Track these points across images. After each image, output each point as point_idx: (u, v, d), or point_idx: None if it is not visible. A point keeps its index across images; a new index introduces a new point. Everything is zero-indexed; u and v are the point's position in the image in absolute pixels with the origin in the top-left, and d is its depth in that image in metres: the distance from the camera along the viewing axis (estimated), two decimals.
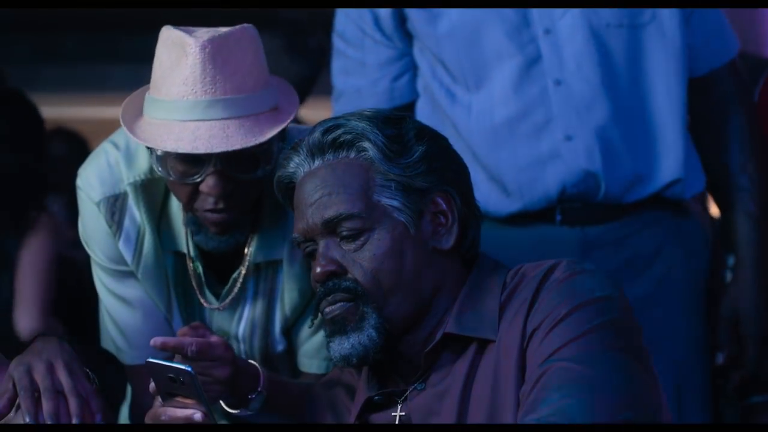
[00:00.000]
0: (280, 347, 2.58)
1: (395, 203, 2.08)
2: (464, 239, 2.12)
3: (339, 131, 2.09)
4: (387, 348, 2.08)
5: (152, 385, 2.11)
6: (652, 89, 2.73)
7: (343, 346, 2.07)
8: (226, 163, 2.31)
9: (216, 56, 2.29)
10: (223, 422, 2.41)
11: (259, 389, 2.30)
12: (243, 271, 2.49)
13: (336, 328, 2.08)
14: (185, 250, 2.50)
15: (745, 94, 2.90)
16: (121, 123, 2.36)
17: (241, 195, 2.36)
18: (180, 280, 2.55)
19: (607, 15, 2.69)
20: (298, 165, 2.14)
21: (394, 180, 2.08)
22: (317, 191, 2.09)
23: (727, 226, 2.85)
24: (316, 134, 2.11)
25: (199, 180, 2.33)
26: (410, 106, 2.83)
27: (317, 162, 2.11)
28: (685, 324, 2.79)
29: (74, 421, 2.14)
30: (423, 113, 2.79)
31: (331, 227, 2.08)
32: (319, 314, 2.13)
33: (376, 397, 2.14)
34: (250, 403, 2.31)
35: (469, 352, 2.06)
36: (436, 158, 2.11)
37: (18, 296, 3.48)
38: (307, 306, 2.53)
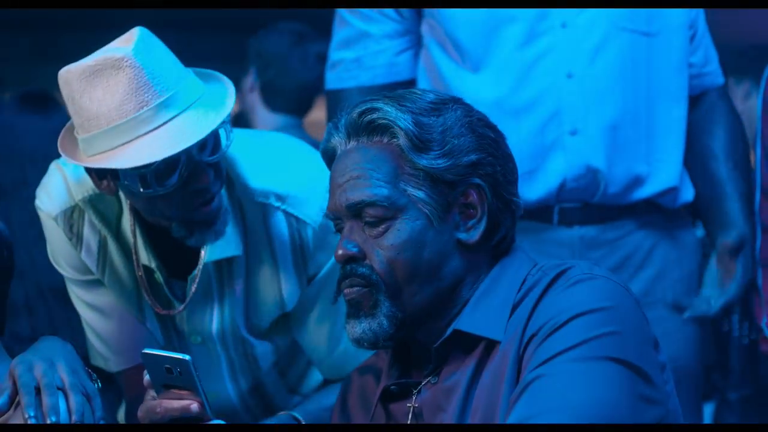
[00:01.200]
0: (259, 348, 2.59)
1: (421, 194, 2.05)
2: (494, 233, 2.09)
3: (374, 115, 2.07)
4: (399, 336, 2.07)
5: (146, 378, 2.09)
6: (657, 97, 2.75)
7: (355, 329, 2.06)
8: (200, 151, 2.29)
9: (149, 58, 2.26)
10: (219, 421, 2.41)
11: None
12: (199, 269, 2.47)
13: (352, 310, 2.08)
14: (142, 263, 2.48)
15: (737, 117, 2.92)
16: (94, 166, 2.29)
17: (217, 177, 2.35)
18: (147, 288, 2.53)
19: (622, 18, 2.71)
20: (337, 142, 2.12)
21: (423, 170, 2.05)
22: (346, 173, 2.08)
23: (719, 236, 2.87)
24: (354, 114, 2.09)
25: (184, 175, 2.28)
26: (407, 84, 2.80)
27: (352, 142, 2.09)
28: (678, 324, 2.80)
29: (74, 418, 2.11)
30: None
31: (355, 211, 2.07)
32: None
33: (392, 387, 2.13)
34: None
35: (479, 349, 2.04)
36: (471, 150, 2.07)
37: None
38: (282, 323, 2.55)
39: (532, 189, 2.69)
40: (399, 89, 2.16)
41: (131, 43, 2.25)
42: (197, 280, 2.46)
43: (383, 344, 2.06)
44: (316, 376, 2.65)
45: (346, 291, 2.08)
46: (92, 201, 2.47)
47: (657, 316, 2.74)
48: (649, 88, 2.74)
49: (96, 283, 2.53)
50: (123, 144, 2.24)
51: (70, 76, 2.28)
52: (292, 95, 4.09)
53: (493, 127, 2.11)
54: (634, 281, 2.74)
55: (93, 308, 2.56)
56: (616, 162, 2.70)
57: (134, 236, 2.46)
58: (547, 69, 2.69)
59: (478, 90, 2.69)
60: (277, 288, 2.50)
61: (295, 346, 2.62)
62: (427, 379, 2.09)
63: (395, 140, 2.06)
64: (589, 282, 1.99)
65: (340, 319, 2.45)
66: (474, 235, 2.07)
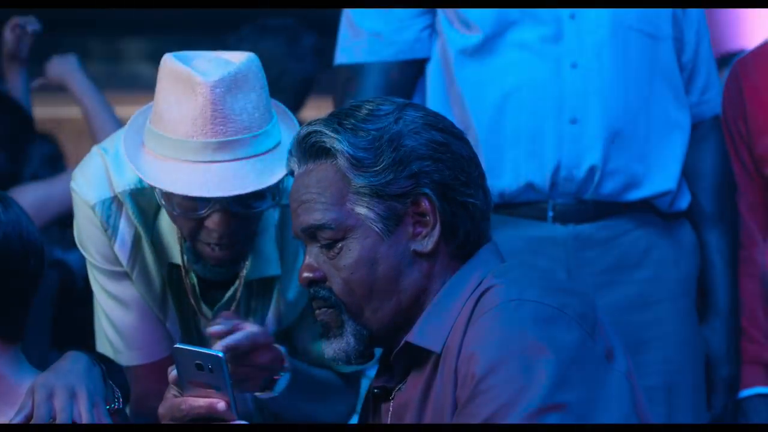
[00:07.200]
0: None
1: (367, 212, 2.06)
2: (452, 238, 2.09)
3: (316, 138, 2.08)
4: (371, 351, 2.11)
5: (173, 374, 2.09)
6: (659, 100, 2.74)
7: (327, 350, 2.11)
8: (230, 200, 2.30)
9: (225, 96, 2.25)
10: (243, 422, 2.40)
11: (285, 366, 2.34)
12: (239, 289, 2.49)
13: (323, 331, 2.12)
14: (179, 261, 2.49)
15: (724, 146, 2.90)
16: (126, 159, 2.35)
17: (243, 229, 2.36)
18: (175, 289, 2.54)
19: (630, 18, 2.72)
20: (293, 165, 2.13)
21: (366, 188, 2.06)
22: (296, 198, 2.10)
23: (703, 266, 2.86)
24: (299, 139, 2.10)
25: (204, 215, 2.32)
26: (425, 62, 2.79)
27: (302, 166, 2.11)
28: (676, 324, 2.78)
29: None
30: (432, 77, 2.77)
31: (309, 235, 2.10)
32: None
33: (376, 390, 2.16)
34: (275, 385, 2.34)
35: (430, 362, 2.05)
36: (411, 160, 2.06)
37: None
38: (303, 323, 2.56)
39: (527, 175, 2.69)
40: (397, 101, 2.14)
41: (219, 74, 2.25)
42: (237, 297, 2.48)
43: (357, 361, 2.10)
44: None
45: (317, 313, 2.11)
46: (133, 194, 2.46)
47: (654, 316, 2.74)
48: (652, 90, 2.74)
49: (122, 275, 2.52)
50: (161, 156, 2.28)
51: (165, 65, 2.29)
52: (291, 93, 4.09)
53: (442, 129, 2.10)
54: (631, 280, 2.74)
55: (115, 299, 2.54)
56: (612, 158, 2.69)
57: (180, 234, 2.45)
58: (552, 56, 2.68)
59: (485, 73, 2.70)
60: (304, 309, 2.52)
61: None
62: (399, 386, 2.11)
63: (336, 161, 2.06)
64: (501, 318, 1.97)
65: None
66: (428, 244, 2.08)
